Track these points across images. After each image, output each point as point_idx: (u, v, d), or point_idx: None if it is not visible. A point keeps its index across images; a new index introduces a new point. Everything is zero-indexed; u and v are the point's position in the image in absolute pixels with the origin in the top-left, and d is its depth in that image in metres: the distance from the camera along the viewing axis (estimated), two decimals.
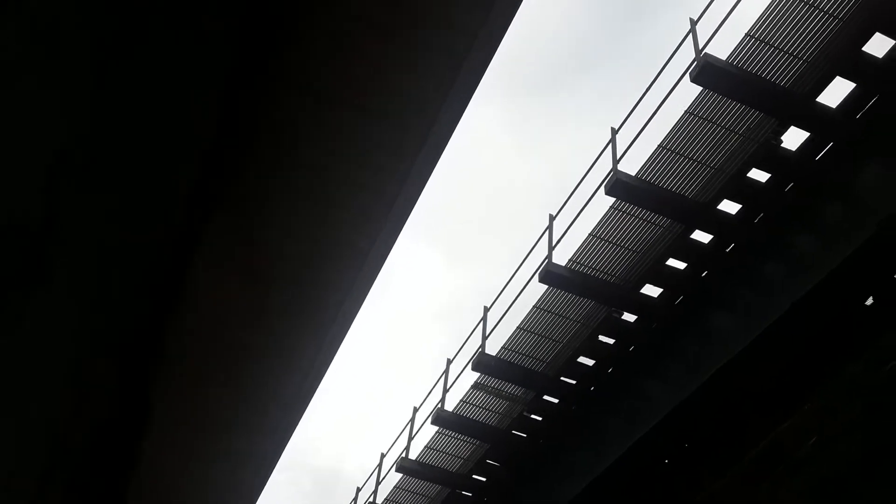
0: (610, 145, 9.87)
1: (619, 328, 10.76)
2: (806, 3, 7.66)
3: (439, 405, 12.86)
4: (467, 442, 12.84)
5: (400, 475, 13.84)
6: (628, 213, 9.47)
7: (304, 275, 4.24)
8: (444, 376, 13.59)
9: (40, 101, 1.26)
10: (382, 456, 16.16)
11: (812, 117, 8.29)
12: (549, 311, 10.74)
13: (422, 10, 1.97)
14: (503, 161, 61.81)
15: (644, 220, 9.50)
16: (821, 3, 7.64)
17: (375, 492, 15.31)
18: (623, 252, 9.84)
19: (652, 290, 10.29)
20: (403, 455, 13.88)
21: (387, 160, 2.67)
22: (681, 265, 9.92)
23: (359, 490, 17.53)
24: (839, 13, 7.65)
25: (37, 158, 1.32)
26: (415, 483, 13.77)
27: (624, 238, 9.72)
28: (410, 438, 14.46)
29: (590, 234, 9.83)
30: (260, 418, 5.52)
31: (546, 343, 11.11)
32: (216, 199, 2.14)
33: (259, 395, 5.29)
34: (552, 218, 11.25)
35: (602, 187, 9.42)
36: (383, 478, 15.57)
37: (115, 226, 1.58)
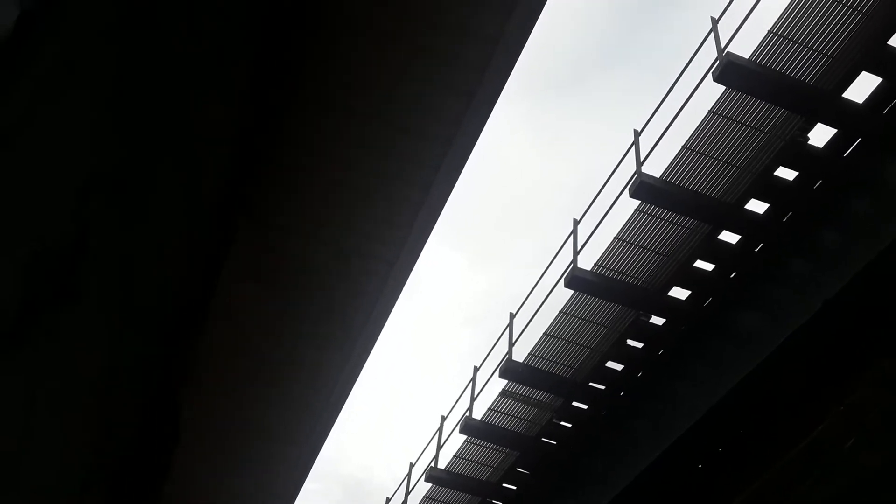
0: (633, 147, 9.80)
1: (647, 331, 10.65)
2: None
3: (467, 413, 12.81)
4: (496, 450, 12.77)
5: (429, 485, 13.79)
6: (653, 216, 9.39)
7: (331, 284, 4.24)
8: (471, 384, 13.54)
9: (71, 121, 1.26)
10: (412, 465, 16.12)
11: (838, 113, 8.18)
12: (575, 316, 10.67)
13: (441, 22, 1.96)
14: (526, 161, 61.66)
15: (670, 222, 9.41)
16: None
17: (405, 502, 15.27)
18: (649, 255, 9.75)
19: (680, 293, 10.18)
20: (432, 464, 13.83)
21: (410, 171, 2.66)
22: (708, 266, 9.81)
23: (388, 500, 17.50)
24: (863, 7, 7.54)
25: (68, 180, 1.33)
26: (444, 493, 13.71)
27: (650, 241, 9.64)
28: (439, 447, 14.41)
29: (615, 238, 9.75)
30: (291, 427, 5.53)
31: (573, 348, 11.03)
32: (242, 208, 2.15)
33: (289, 404, 5.30)
34: (576, 222, 11.18)
35: (626, 190, 9.35)
36: (413, 488, 15.54)
37: (143, 241, 1.58)
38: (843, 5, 7.58)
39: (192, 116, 1.65)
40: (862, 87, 8.12)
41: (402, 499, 15.62)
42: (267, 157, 1.87)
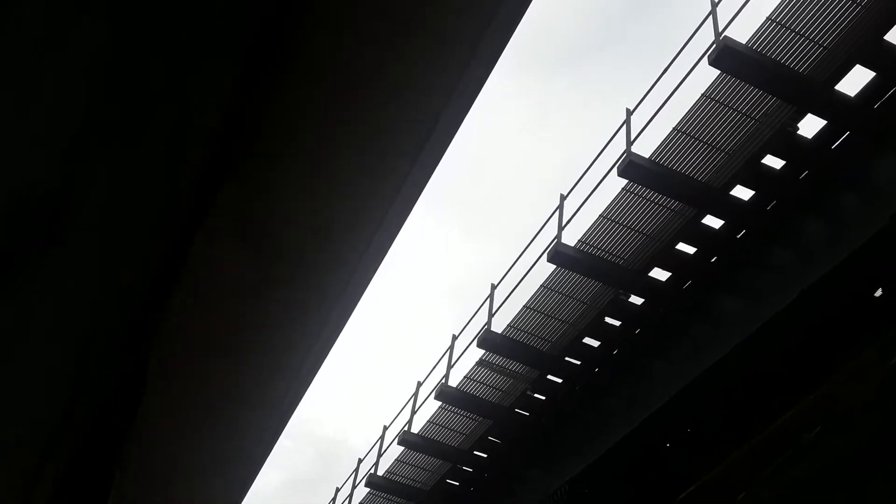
0: (624, 126, 9.79)
1: (626, 311, 10.75)
2: None
3: (443, 380, 12.92)
4: (470, 418, 12.91)
5: (402, 448, 13.95)
6: (640, 196, 9.41)
7: (312, 246, 4.23)
8: (448, 352, 13.64)
9: (68, 70, 1.25)
10: (385, 428, 16.29)
11: (830, 105, 8.19)
12: (556, 291, 10.74)
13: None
14: (517, 136, 61.57)
15: (655, 204, 9.45)
16: None
17: (377, 464, 15.46)
18: (633, 235, 9.80)
19: (661, 274, 10.26)
20: (406, 429, 13.98)
21: (398, 140, 2.65)
22: (691, 250, 9.88)
23: (360, 461, 17.70)
24: (862, 0, 7.52)
25: (62, 126, 1.32)
26: (416, 457, 13.88)
27: (634, 221, 9.68)
28: (413, 412, 14.55)
29: (600, 216, 9.79)
30: (263, 390, 5.56)
31: (552, 323, 11.12)
32: (224, 172, 2.14)
33: (262, 367, 5.32)
34: (563, 198, 11.20)
35: (615, 169, 9.36)
36: (385, 450, 15.71)
37: (127, 195, 1.58)
38: None
39: (187, 74, 1.63)
40: (855, 81, 8.13)
41: (374, 461, 15.80)
42: (255, 126, 1.86)
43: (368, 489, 15.00)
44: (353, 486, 16.98)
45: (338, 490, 18.23)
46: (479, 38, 2.40)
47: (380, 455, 15.69)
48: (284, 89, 2.10)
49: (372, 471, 15.18)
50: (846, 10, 7.63)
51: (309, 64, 2.17)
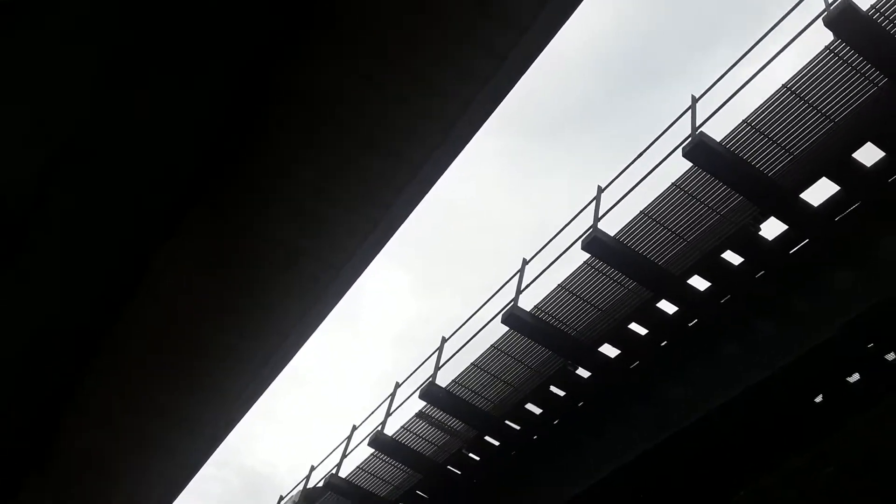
0: (594, 202, 9.95)
1: (571, 382, 10.77)
2: (805, 102, 7.84)
3: (380, 427, 12.73)
4: (401, 469, 12.70)
5: (328, 492, 13.64)
6: (600, 272, 9.53)
7: (273, 282, 4.18)
8: (389, 399, 13.47)
9: (55, 90, 1.25)
10: (312, 468, 15.93)
11: (793, 212, 8.43)
12: (506, 353, 10.73)
13: (439, 57, 1.97)
14: (490, 197, 62.34)
15: (614, 281, 9.56)
16: (819, 104, 7.82)
17: (298, 503, 15.07)
18: (588, 308, 9.89)
19: (610, 351, 10.34)
20: (334, 472, 13.69)
21: (376, 189, 2.65)
22: (642, 331, 9.99)
23: (281, 498, 17.25)
24: (835, 116, 7.83)
25: (41, 145, 1.31)
26: (340, 502, 13.56)
27: (591, 295, 9.77)
28: (344, 456, 14.28)
29: (559, 286, 9.86)
30: (198, 413, 5.40)
31: (497, 384, 11.08)
32: (202, 198, 2.12)
33: (203, 389, 5.17)
34: (525, 262, 11.27)
35: (579, 242, 9.48)
36: (311, 489, 15.34)
37: (96, 215, 1.54)
38: (818, 111, 7.85)
39: (173, 103, 1.63)
40: (820, 192, 8.40)
41: (296, 500, 15.40)
42: (233, 156, 1.85)
43: None
44: None
45: None
46: (456, 118, 2.44)
47: (302, 495, 15.31)
48: (273, 124, 2.11)
49: None
50: (819, 125, 7.93)
51: (303, 106, 2.19)
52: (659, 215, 8.94)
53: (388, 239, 2.85)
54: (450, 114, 2.24)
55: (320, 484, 14.16)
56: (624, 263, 9.30)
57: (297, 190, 2.55)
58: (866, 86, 7.61)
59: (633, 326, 9.97)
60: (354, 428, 14.56)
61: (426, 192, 2.83)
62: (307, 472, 15.96)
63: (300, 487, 15.88)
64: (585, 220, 9.89)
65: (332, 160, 2.20)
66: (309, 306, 3.60)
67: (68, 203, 1.38)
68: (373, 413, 14.05)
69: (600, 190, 10.10)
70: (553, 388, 10.93)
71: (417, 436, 12.21)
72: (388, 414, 13.14)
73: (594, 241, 9.21)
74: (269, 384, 4.77)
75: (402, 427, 12.24)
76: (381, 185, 2.35)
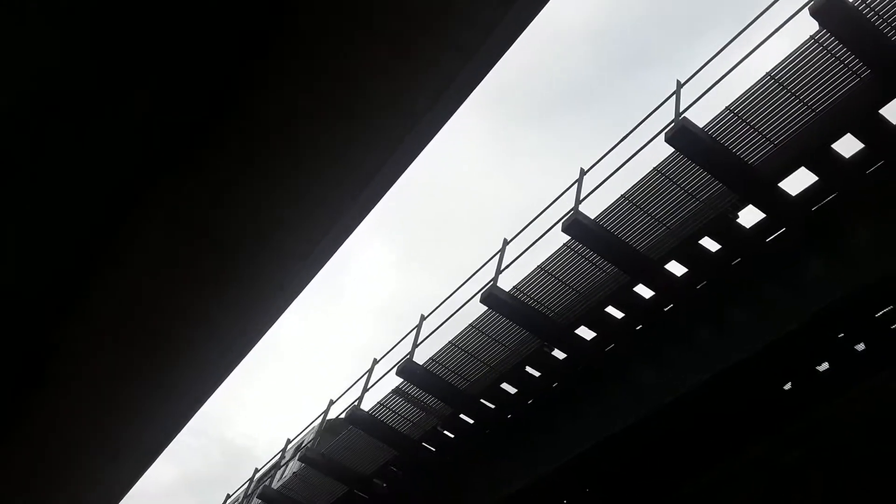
0: (576, 185, 9.98)
1: (547, 363, 10.86)
2: (788, 91, 7.89)
3: (356, 403, 12.78)
4: (376, 445, 12.76)
5: (300, 464, 13.70)
6: (580, 254, 9.59)
7: (249, 245, 4.15)
8: (367, 375, 13.52)
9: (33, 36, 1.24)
10: (288, 442, 15.99)
11: (771, 201, 8.51)
12: (483, 333, 10.79)
13: (425, 23, 1.98)
14: (477, 178, 62.36)
15: (593, 264, 9.63)
16: (802, 94, 7.87)
17: (273, 475, 15.14)
18: (567, 290, 9.95)
19: (586, 333, 10.43)
20: (310, 445, 13.75)
21: (358, 157, 2.66)
22: (619, 314, 10.08)
23: (256, 471, 17.31)
24: (817, 106, 7.89)
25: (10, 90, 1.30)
26: (315, 475, 13.62)
27: (570, 277, 9.83)
28: (319, 431, 14.34)
29: (538, 267, 9.92)
30: (171, 381, 5.37)
31: (474, 363, 11.15)
32: (168, 165, 2.12)
33: (173, 359, 5.15)
34: (506, 242, 11.32)
35: (560, 224, 9.52)
36: (285, 463, 15.40)
37: (63, 169, 1.54)
38: (800, 101, 7.91)
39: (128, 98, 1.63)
40: (799, 181, 8.48)
41: (272, 473, 15.47)
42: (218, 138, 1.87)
43: (261, 501, 14.64)
44: (246, 496, 16.56)
45: (228, 497, 17.74)
46: (441, 91, 2.44)
47: (277, 468, 15.37)
48: (255, 106, 2.10)
49: (268, 482, 14.85)
50: (801, 114, 7.99)
51: (278, 92, 2.19)
52: (640, 200, 8.99)
53: (363, 218, 2.87)
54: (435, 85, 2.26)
55: (296, 457, 14.21)
56: (603, 247, 9.36)
57: (274, 163, 2.56)
58: (849, 77, 7.67)
59: (610, 310, 10.06)
60: (332, 402, 14.62)
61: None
62: (283, 445, 16.02)
63: (276, 460, 15.95)
64: (568, 203, 9.94)
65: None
66: (285, 279, 3.60)
67: (41, 155, 1.37)
68: (349, 389, 14.11)
69: (583, 172, 10.14)
70: (529, 369, 11.02)
71: (393, 411, 12.27)
72: (366, 389, 13.20)
73: (574, 224, 9.26)
74: (244, 354, 4.77)
75: (378, 403, 12.30)
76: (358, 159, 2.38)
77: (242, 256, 4.27)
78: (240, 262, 4.29)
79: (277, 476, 16.05)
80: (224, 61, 2.25)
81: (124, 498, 5.85)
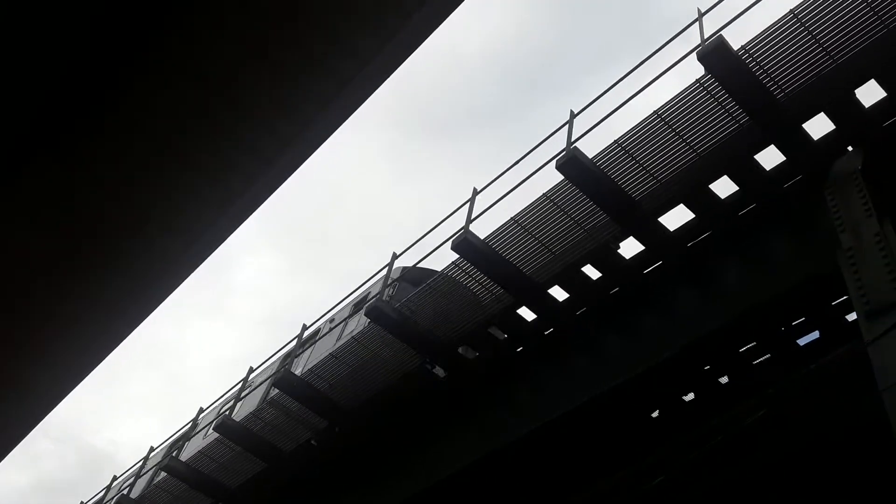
0: (468, 204, 10.05)
1: (426, 379, 10.83)
2: (673, 130, 8.23)
3: (227, 412, 12.33)
4: (245, 457, 12.28)
5: (164, 475, 13.06)
6: (467, 273, 9.64)
7: (126, 234, 3.90)
8: (241, 383, 13.09)
9: None
10: (152, 449, 15.24)
11: (651, 234, 8.84)
12: (365, 347, 10.65)
13: (321, 24, 1.91)
14: (373, 189, 62.24)
15: (479, 284, 9.70)
16: (685, 133, 8.24)
17: (133, 484, 14.35)
18: (451, 307, 9.97)
19: (469, 353, 10.48)
20: (174, 454, 13.14)
21: (244, 158, 2.54)
22: (501, 335, 10.19)
23: (115, 478, 16.42)
24: (698, 147, 8.27)
25: None
26: (178, 486, 13.00)
27: (455, 296, 9.87)
28: (187, 439, 13.75)
29: (425, 284, 9.90)
30: (21, 377, 4.99)
31: (354, 377, 10.98)
32: (46, 146, 1.95)
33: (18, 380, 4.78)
34: (395, 256, 11.26)
35: (450, 241, 9.55)
36: (146, 472, 14.66)
37: None
38: (684, 141, 8.26)
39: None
40: (676, 218, 8.86)
41: (131, 480, 14.68)
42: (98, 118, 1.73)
43: None
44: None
45: None
46: (331, 99, 2.37)
47: (138, 476, 14.60)
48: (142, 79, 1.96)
49: (126, 491, 14.06)
50: (682, 153, 8.35)
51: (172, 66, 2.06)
52: (528, 223, 9.14)
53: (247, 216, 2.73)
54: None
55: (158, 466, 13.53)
56: (490, 267, 9.45)
57: (160, 157, 2.40)
58: (729, 122, 8.09)
59: (493, 331, 10.17)
60: (202, 410, 14.05)
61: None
62: (146, 453, 15.25)
63: (137, 468, 15.15)
64: (460, 221, 9.98)
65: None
66: (165, 268, 3.39)
67: None
68: (222, 397, 13.62)
69: (475, 192, 10.23)
70: (407, 385, 10.94)
71: (266, 423, 11.90)
72: (239, 398, 12.77)
73: (463, 242, 9.31)
74: (103, 356, 4.48)
75: (251, 413, 11.90)
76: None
77: (112, 251, 4.01)
78: (109, 256, 4.02)
79: (138, 484, 15.24)
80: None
81: None
